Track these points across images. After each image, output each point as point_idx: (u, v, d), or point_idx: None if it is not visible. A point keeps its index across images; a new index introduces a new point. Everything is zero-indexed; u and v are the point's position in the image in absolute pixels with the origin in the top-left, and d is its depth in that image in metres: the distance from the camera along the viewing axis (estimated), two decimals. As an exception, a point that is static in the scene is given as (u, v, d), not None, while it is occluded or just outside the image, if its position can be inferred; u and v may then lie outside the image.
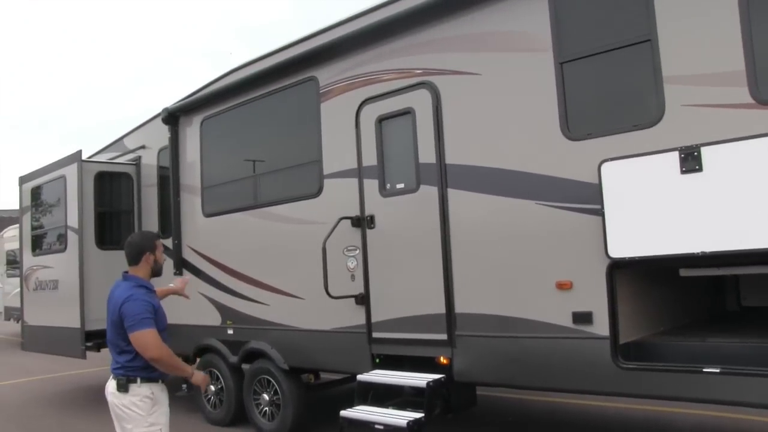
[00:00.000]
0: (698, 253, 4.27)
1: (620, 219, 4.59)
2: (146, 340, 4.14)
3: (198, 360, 8.43)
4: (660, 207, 4.43)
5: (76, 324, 8.96)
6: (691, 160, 4.29)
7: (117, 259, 9.34)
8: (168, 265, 8.33)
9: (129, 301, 4.19)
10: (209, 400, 8.21)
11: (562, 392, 5.99)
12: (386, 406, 5.78)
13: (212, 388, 8.14)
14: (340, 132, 6.54)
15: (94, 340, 9.31)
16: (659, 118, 4.53)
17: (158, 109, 8.94)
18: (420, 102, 5.87)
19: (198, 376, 4.47)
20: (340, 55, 6.59)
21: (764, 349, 4.34)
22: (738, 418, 6.85)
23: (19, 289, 11.83)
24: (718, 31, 4.32)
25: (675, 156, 4.35)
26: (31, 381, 12.63)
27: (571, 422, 7.46)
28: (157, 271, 4.51)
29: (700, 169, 4.25)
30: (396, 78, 6.10)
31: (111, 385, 4.27)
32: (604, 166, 4.66)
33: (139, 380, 4.20)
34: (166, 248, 8.42)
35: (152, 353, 4.13)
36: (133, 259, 4.43)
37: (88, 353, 9.21)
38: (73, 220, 9.25)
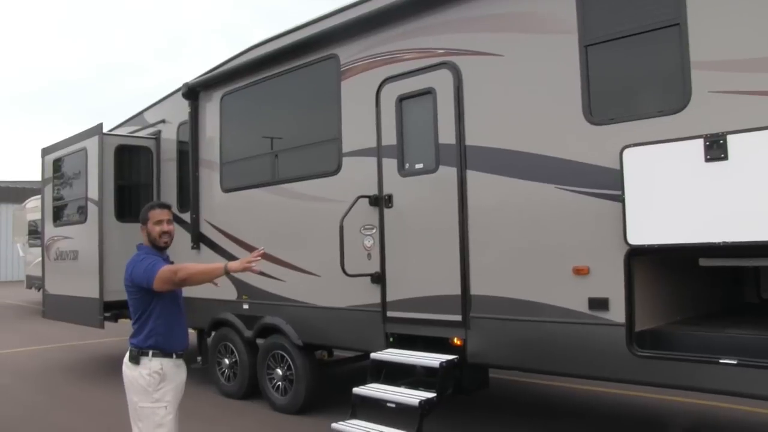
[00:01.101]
0: (720, 243, 4.20)
1: (641, 206, 4.54)
2: (165, 274, 4.12)
3: (213, 333, 8.51)
4: (682, 195, 4.36)
5: (95, 294, 9.07)
6: (716, 148, 4.21)
7: (135, 231, 9.31)
8: (185, 238, 8.46)
9: (134, 265, 4.23)
10: (223, 373, 8.29)
11: (575, 378, 5.96)
12: (399, 385, 5.80)
13: (226, 361, 8.22)
14: (360, 110, 6.51)
15: (113, 310, 9.43)
16: (685, 104, 4.44)
17: (176, 86, 8.97)
18: (441, 82, 5.82)
19: (233, 264, 4.23)
20: (361, 34, 6.54)
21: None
22: (752, 411, 6.80)
23: (40, 259, 11.97)
24: (751, 15, 4.21)
25: (700, 143, 4.27)
26: (52, 349, 12.84)
27: (583, 408, 7.45)
28: (153, 243, 4.37)
29: (726, 158, 4.17)
30: (417, 57, 6.05)
31: (126, 356, 4.28)
32: (626, 152, 4.59)
33: (150, 354, 4.19)
34: (183, 222, 8.54)
35: (179, 275, 4.12)
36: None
37: (107, 323, 9.33)
38: (93, 193, 9.33)
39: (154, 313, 4.23)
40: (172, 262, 4.44)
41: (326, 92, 6.91)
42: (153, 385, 4.16)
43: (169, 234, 4.42)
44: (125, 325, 12.02)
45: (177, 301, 4.42)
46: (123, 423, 7.02)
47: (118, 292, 9.01)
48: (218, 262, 4.35)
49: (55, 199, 10.79)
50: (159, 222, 4.36)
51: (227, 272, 4.18)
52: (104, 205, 9.19)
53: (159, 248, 4.40)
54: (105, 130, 9.52)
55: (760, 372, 4.13)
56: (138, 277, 4.18)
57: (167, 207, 4.57)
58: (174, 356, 4.29)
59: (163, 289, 4.17)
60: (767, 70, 4.12)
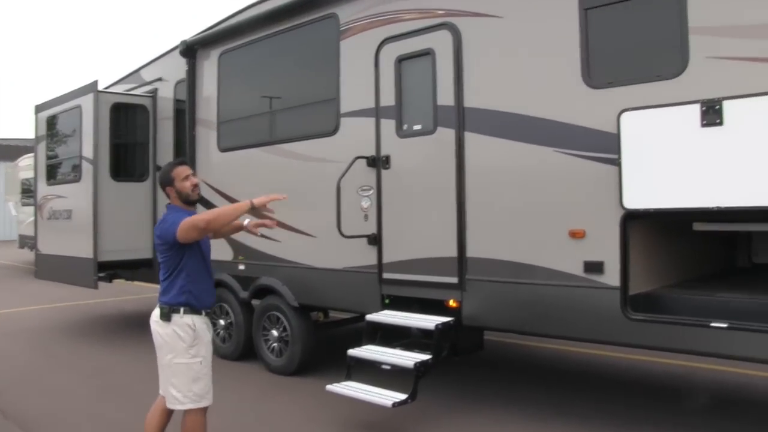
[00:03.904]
0: (714, 208, 4.25)
1: (637, 170, 4.57)
2: (188, 221, 4.14)
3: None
4: (678, 160, 4.40)
5: (89, 254, 9.06)
6: (712, 114, 4.23)
7: (131, 190, 9.48)
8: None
9: (162, 223, 4.28)
10: (218, 334, 8.34)
11: (569, 340, 6.05)
12: (394, 347, 5.86)
13: (221, 322, 8.27)
14: (359, 71, 6.47)
15: (107, 270, 9.46)
16: (682, 69, 4.45)
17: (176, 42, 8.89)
18: (440, 43, 5.78)
19: (259, 199, 4.34)
20: (361, -7, 6.48)
21: (773, 306, 4.36)
22: (742, 373, 6.92)
23: (33, 218, 11.93)
24: (749, -19, 4.21)
25: (696, 108, 4.29)
26: (47, 309, 12.86)
27: (577, 371, 7.55)
28: (185, 200, 4.41)
29: (721, 123, 4.20)
30: (417, 18, 6.00)
31: (155, 314, 4.30)
32: (624, 116, 4.61)
33: (182, 310, 4.22)
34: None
35: (203, 217, 4.15)
36: (164, 194, 4.52)
37: (100, 284, 9.35)
38: (88, 151, 9.27)
39: (184, 270, 4.27)
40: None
41: (325, 52, 6.86)
42: (188, 341, 4.20)
43: (198, 186, 4.48)
44: (120, 286, 12.10)
45: (205, 259, 4.45)
46: (116, 382, 7.18)
47: (112, 252, 9.13)
48: (240, 203, 4.33)
49: (48, 157, 10.70)
50: (187, 177, 4.41)
51: (253, 207, 4.24)
52: (99, 164, 9.13)
53: (191, 204, 4.45)
54: (100, 87, 9.44)
55: (749, 335, 4.21)
56: (165, 231, 4.22)
57: (187, 162, 4.63)
58: (203, 313, 4.35)
59: (189, 237, 4.17)
60: (763, 36, 4.13)
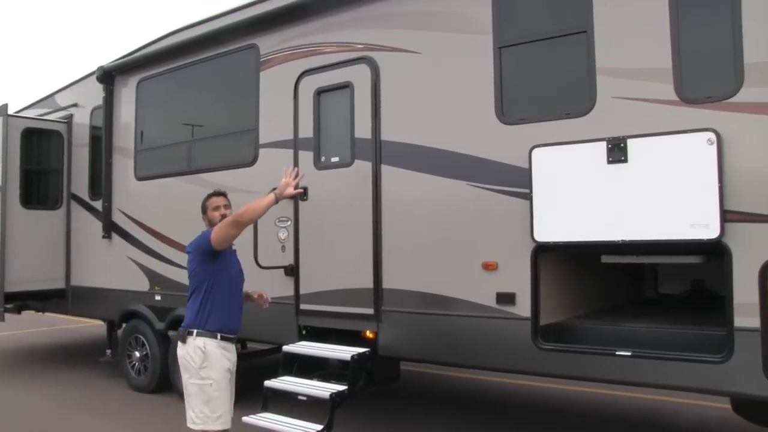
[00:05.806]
0: (618, 241, 4.43)
1: (547, 204, 4.72)
2: (219, 225, 4.43)
3: (123, 325, 8.32)
4: (586, 194, 4.57)
5: (-4, 285, 8.67)
6: (617, 151, 4.43)
7: (43, 218, 9.16)
8: (96, 227, 8.25)
9: (194, 240, 4.60)
10: (133, 366, 8.12)
11: (484, 370, 6.15)
12: (311, 378, 5.84)
13: (137, 354, 8.05)
14: (278, 102, 6.49)
15: (15, 301, 9.07)
16: (590, 108, 4.64)
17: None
18: (359, 77, 5.87)
19: (278, 189, 4.66)
20: (282, 25, 6.52)
21: (673, 335, 4.56)
22: (651, 399, 7.14)
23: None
24: (649, 29, 4.45)
25: (603, 146, 4.48)
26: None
27: (494, 400, 7.65)
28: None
29: (626, 160, 4.40)
30: (337, 51, 6.08)
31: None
32: (535, 152, 4.77)
33: (195, 333, 4.42)
34: (94, 211, 8.33)
35: (233, 218, 4.38)
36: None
37: (8, 316, 8.95)
38: (-4, 177, 8.92)
39: (207, 289, 4.47)
40: None
41: (245, 82, 6.85)
42: (198, 363, 4.38)
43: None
44: (31, 318, 11.62)
45: (232, 283, 4.63)
46: (21, 420, 6.87)
47: (20, 282, 8.75)
48: (265, 197, 4.58)
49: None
50: (217, 207, 4.69)
51: (278, 200, 4.55)
52: (8, 191, 8.79)
53: None
54: (11, 111, 9.12)
55: (651, 362, 4.38)
56: (200, 241, 4.49)
57: (223, 194, 4.85)
58: (219, 337, 4.46)
59: (226, 234, 4.38)
60: (663, 80, 4.36)
